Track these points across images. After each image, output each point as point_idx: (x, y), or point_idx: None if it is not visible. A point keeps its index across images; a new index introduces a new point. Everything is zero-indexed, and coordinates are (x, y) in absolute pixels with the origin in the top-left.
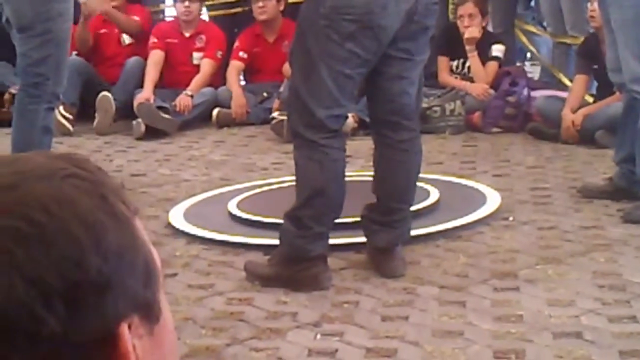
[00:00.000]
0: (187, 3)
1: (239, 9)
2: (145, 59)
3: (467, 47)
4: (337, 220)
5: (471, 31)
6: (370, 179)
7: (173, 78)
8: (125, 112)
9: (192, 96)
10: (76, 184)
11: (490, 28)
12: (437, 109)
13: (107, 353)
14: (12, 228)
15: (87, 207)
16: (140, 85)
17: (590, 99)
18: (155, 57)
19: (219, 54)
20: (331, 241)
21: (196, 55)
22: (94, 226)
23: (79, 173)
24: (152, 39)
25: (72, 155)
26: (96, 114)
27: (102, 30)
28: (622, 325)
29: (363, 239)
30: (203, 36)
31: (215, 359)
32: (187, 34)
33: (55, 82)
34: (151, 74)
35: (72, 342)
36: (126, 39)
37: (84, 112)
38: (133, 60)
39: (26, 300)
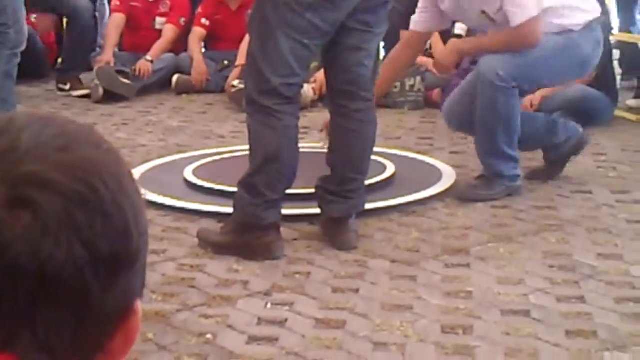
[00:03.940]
0: None
1: None
2: None
3: None
4: (291, 191)
5: None
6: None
7: (134, 42)
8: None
9: (152, 62)
10: (115, 159)
11: None
12: (397, 84)
13: (123, 326)
14: (73, 190)
15: (129, 185)
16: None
17: None
18: (117, 20)
19: (182, 20)
20: (285, 212)
21: (159, 20)
22: (134, 204)
23: (114, 149)
24: (115, 1)
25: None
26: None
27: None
28: (569, 305)
29: (317, 211)
30: (168, 1)
31: (164, 324)
32: None
33: (17, 31)
34: (112, 37)
35: (103, 311)
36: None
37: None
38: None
39: (80, 264)
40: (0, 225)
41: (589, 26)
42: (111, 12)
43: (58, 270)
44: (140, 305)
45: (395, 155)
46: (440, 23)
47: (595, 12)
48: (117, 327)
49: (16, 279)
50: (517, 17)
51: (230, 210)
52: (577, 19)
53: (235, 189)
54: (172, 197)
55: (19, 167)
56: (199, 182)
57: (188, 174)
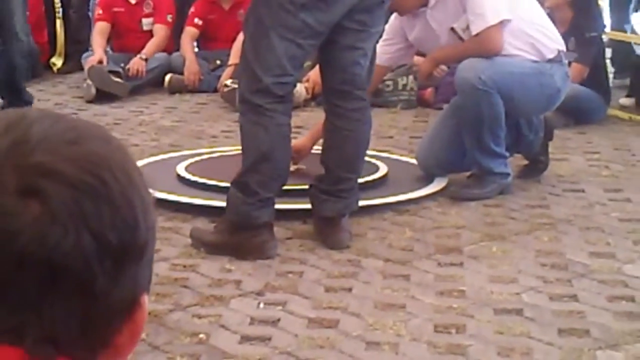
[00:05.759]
0: None
1: None
2: None
3: None
4: (285, 187)
5: None
6: (320, 150)
7: (124, 46)
8: None
9: (146, 60)
10: (125, 155)
11: None
12: (390, 83)
13: (130, 319)
14: (82, 181)
15: (138, 180)
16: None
17: None
18: (102, 28)
19: (170, 17)
20: (278, 206)
21: (145, 21)
22: (143, 198)
23: (123, 146)
24: (98, 10)
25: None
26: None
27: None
28: (562, 304)
29: (309, 206)
30: (150, 1)
31: (157, 324)
32: (132, 1)
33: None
34: (98, 40)
35: (110, 303)
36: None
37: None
38: None
39: (88, 254)
40: (10, 214)
41: (559, 59)
42: (95, 21)
43: (65, 260)
44: (146, 300)
45: (388, 154)
46: (403, 56)
47: (561, 43)
48: (123, 321)
49: (24, 268)
50: (476, 26)
51: (222, 204)
52: (548, 45)
53: (227, 184)
54: (166, 191)
55: (29, 157)
56: (192, 178)
57: (181, 170)
